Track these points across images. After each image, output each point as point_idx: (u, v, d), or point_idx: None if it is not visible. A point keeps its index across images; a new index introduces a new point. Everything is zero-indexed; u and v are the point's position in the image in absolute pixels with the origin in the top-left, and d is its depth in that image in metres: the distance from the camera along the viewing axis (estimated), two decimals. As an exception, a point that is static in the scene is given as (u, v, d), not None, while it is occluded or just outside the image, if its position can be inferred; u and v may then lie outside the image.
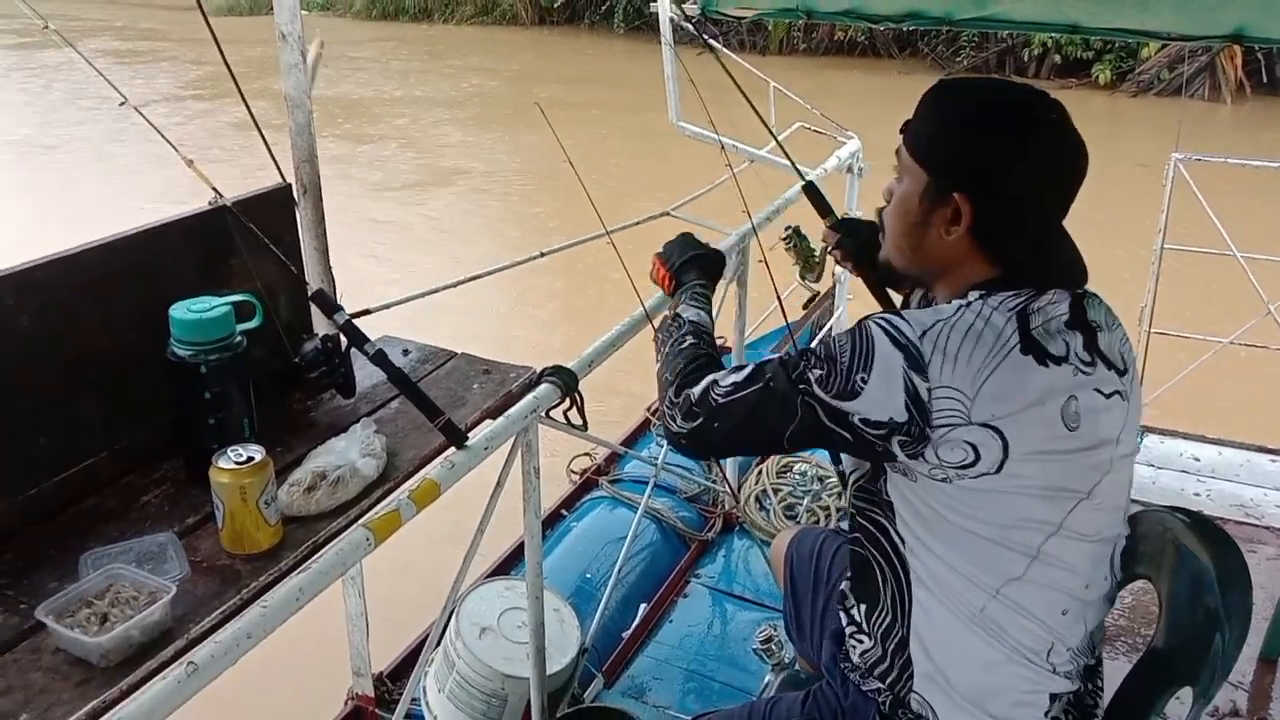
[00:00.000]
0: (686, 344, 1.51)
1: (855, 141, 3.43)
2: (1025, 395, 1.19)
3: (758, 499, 2.96)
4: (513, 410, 1.74)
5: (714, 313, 1.66)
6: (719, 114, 2.70)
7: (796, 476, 3.01)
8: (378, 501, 1.55)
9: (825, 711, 1.47)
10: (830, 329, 3.71)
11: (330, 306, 1.63)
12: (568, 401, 1.88)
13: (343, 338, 1.66)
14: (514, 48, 19.41)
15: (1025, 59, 15.89)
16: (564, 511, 3.01)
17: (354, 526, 1.43)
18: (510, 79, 16.55)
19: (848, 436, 1.25)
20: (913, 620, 1.31)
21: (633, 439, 3.41)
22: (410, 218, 9.39)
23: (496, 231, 9.19)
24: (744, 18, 3.01)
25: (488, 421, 1.74)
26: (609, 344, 2.02)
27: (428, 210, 9.65)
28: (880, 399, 1.21)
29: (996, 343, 1.20)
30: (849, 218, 2.01)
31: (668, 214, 2.80)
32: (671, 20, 3.08)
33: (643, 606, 2.59)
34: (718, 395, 1.34)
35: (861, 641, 1.41)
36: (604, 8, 20.61)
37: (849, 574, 1.47)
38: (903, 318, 1.23)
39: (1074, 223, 1.32)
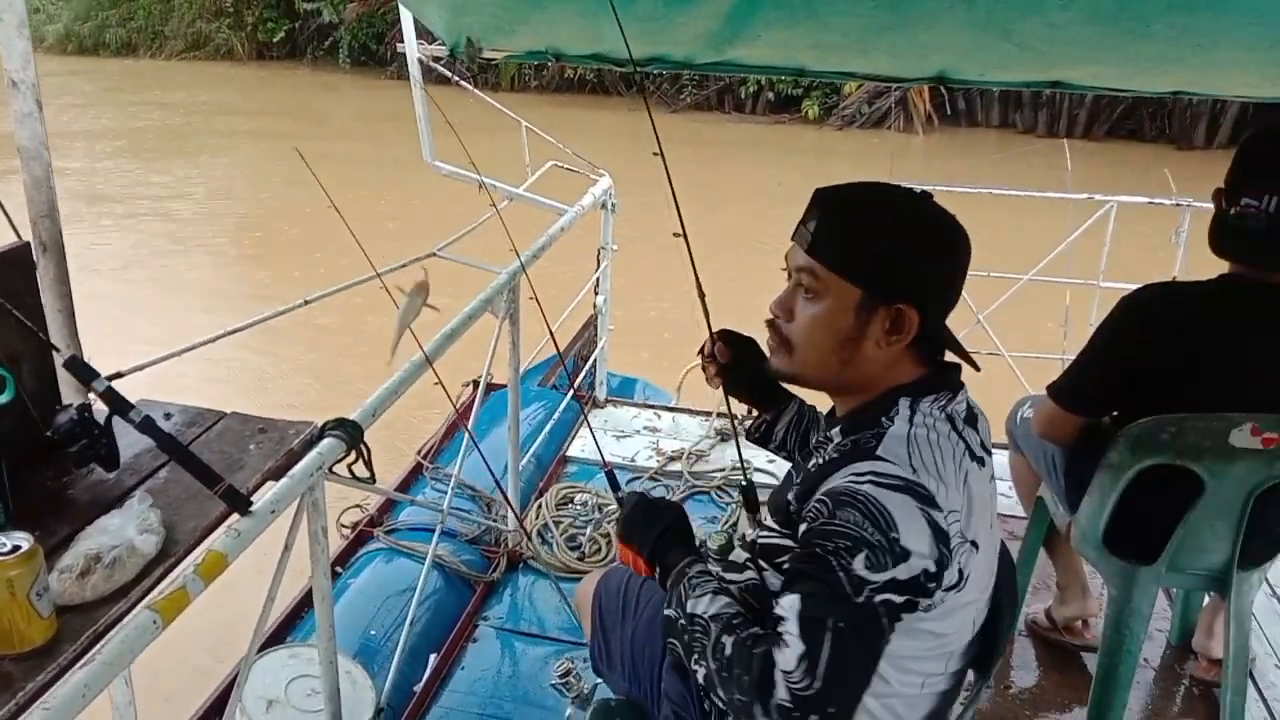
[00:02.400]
0: (728, 649, 1.22)
1: (607, 179, 3.54)
2: (981, 501, 1.23)
3: (540, 533, 2.97)
4: (297, 469, 1.67)
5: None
6: (465, 152, 2.72)
7: (578, 507, 3.05)
8: (159, 580, 1.44)
9: None
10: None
11: (88, 373, 1.50)
12: (354, 455, 1.83)
13: (100, 405, 1.54)
14: (227, 83, 18.59)
15: (743, 96, 17.00)
16: (339, 569, 2.88)
17: (138, 609, 1.32)
18: (225, 114, 15.92)
19: (916, 603, 1.16)
20: None
21: (406, 484, 3.33)
22: (128, 267, 8.76)
23: (226, 276, 8.74)
24: (494, 59, 3.04)
25: (270, 483, 1.67)
26: (391, 391, 1.99)
27: (147, 258, 9.05)
28: (923, 548, 1.14)
29: (954, 452, 1.21)
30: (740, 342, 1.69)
31: (435, 254, 2.77)
32: (421, 60, 3.07)
33: (432, 657, 2.53)
34: (801, 689, 1.13)
35: None
36: (327, 43, 20.10)
37: None
38: (881, 459, 1.18)
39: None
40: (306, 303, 2.31)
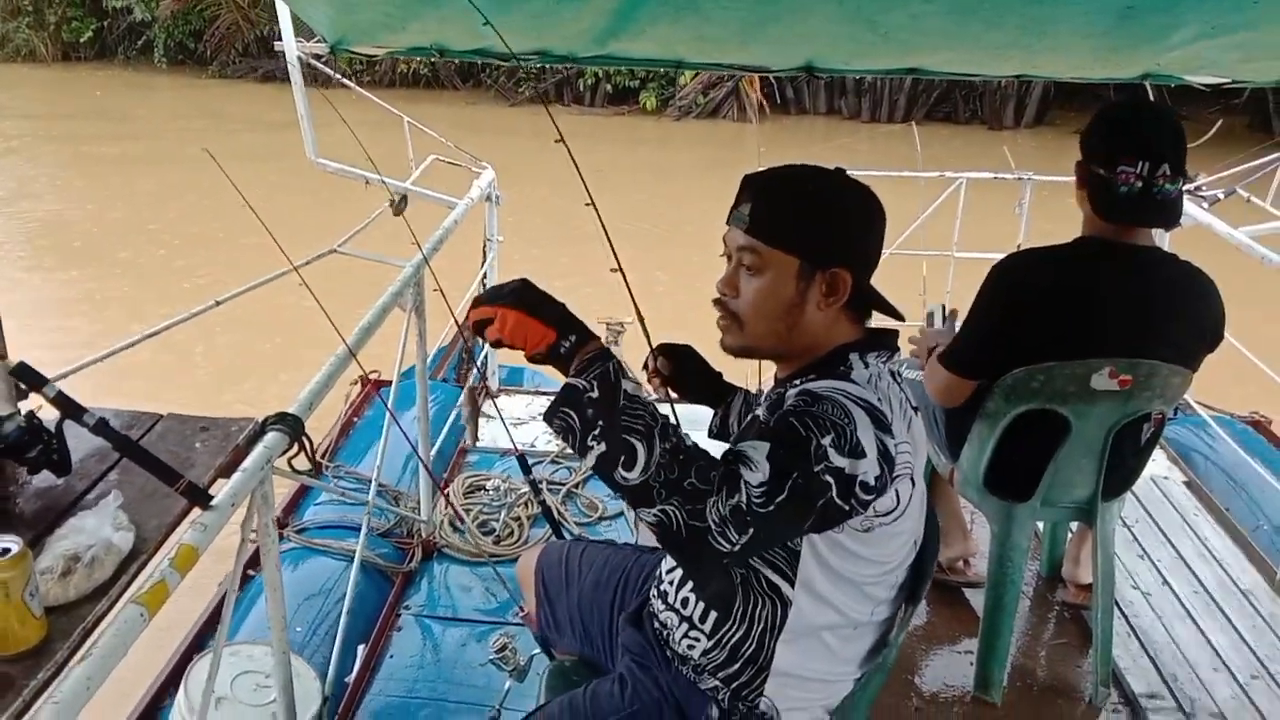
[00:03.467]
0: (689, 442, 1.26)
1: (490, 171, 3.60)
2: (920, 445, 1.40)
3: (452, 522, 3.01)
4: (248, 462, 1.70)
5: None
6: (346, 149, 2.74)
7: (490, 493, 3.11)
8: (134, 577, 1.45)
9: (648, 696, 1.58)
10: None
11: (37, 378, 1.49)
12: (296, 447, 1.86)
13: (49, 410, 1.53)
14: (25, 85, 17.53)
15: (581, 88, 17.05)
16: (251, 571, 2.85)
17: (123, 603, 1.34)
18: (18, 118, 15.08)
19: (844, 508, 1.26)
20: (776, 653, 1.44)
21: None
22: None
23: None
24: (375, 56, 3.05)
25: (221, 480, 1.69)
26: (322, 384, 2.02)
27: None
28: (872, 459, 1.26)
29: (901, 398, 1.37)
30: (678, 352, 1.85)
31: (335, 251, 2.78)
32: (300, 59, 3.05)
33: (360, 648, 2.56)
34: (757, 505, 1.19)
35: (699, 641, 1.51)
36: (140, 42, 19.09)
37: (678, 569, 1.57)
38: (853, 382, 1.34)
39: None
40: (219, 303, 2.30)
